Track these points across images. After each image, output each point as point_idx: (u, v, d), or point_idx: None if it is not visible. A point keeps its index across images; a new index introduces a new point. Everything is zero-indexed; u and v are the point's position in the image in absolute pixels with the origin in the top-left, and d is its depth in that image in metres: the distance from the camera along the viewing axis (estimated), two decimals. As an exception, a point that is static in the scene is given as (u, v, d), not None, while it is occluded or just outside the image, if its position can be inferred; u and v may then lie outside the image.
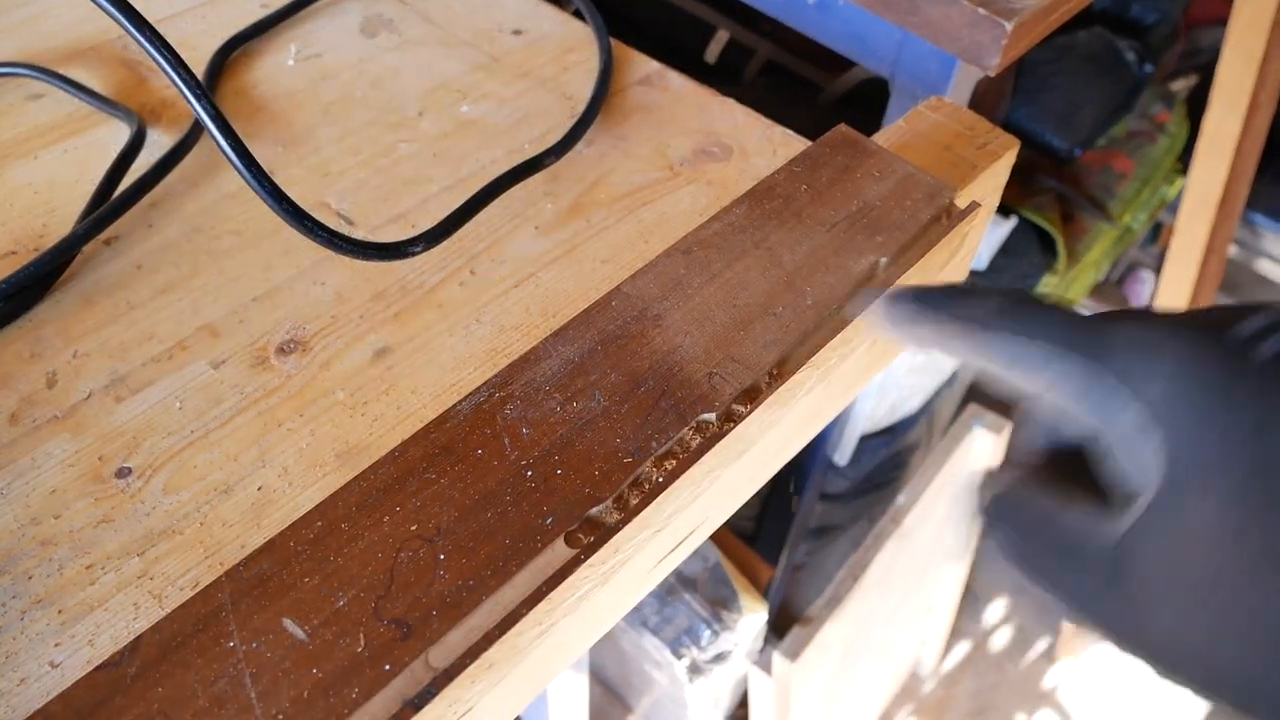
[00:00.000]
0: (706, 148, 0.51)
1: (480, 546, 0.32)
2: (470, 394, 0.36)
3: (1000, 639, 1.89)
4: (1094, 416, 0.27)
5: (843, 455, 1.17)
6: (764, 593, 1.23)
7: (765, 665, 1.24)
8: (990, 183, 0.49)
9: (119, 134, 0.51)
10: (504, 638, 0.30)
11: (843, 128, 0.47)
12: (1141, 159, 1.15)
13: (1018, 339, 0.28)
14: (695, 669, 1.20)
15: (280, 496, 0.37)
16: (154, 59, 0.38)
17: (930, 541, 1.46)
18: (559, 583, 0.32)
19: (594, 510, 0.33)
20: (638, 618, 1.21)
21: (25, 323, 0.42)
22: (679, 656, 1.19)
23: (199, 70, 0.54)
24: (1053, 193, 1.07)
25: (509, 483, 0.34)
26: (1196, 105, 1.16)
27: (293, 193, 0.47)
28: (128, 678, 0.29)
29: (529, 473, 0.34)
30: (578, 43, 0.58)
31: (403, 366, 0.41)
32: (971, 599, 1.90)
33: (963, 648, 1.87)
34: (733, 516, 0.43)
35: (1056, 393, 0.27)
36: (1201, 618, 0.24)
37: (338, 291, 0.44)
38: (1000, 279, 1.05)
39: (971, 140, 0.49)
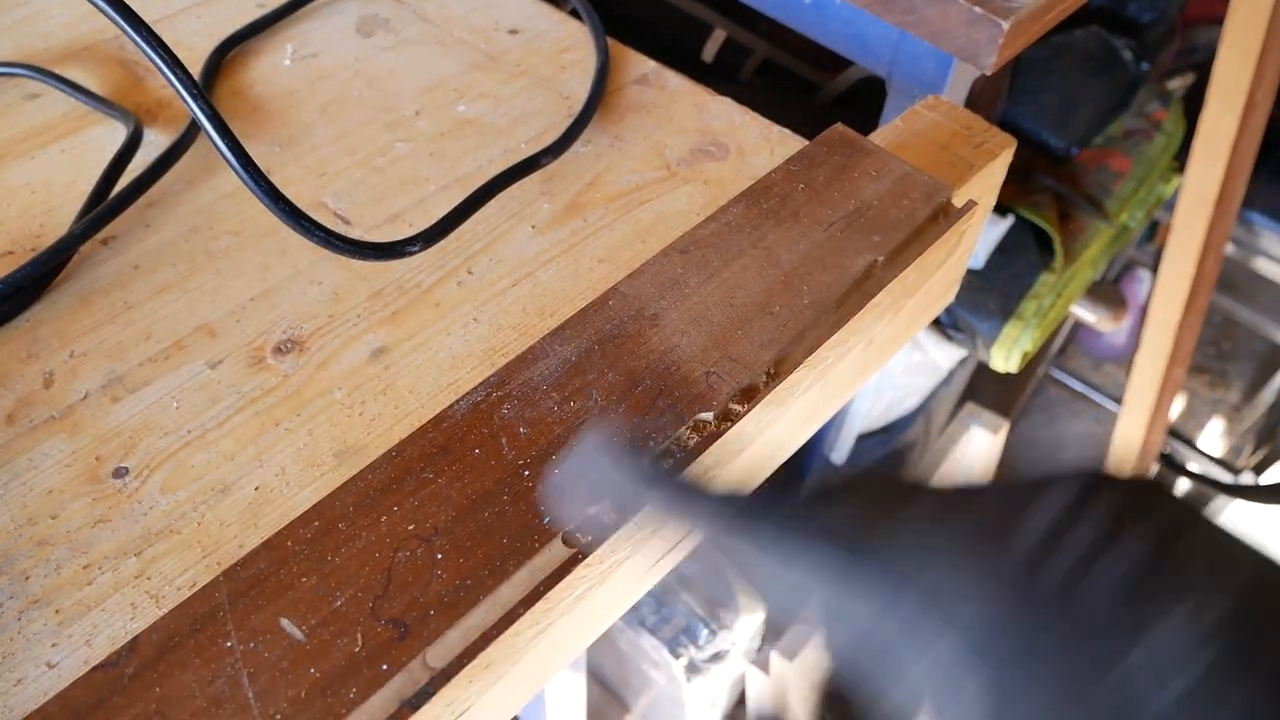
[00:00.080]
0: (703, 147, 0.51)
1: (478, 546, 0.32)
2: (468, 393, 0.36)
3: (998, 637, 1.89)
4: (877, 668, 0.23)
5: (840, 454, 1.17)
6: (762, 592, 1.23)
7: (763, 664, 1.24)
8: (987, 181, 0.49)
9: (116, 134, 0.51)
10: (501, 637, 0.30)
11: (840, 127, 0.47)
12: (1138, 157, 1.15)
13: (786, 536, 0.24)
14: (693, 668, 1.20)
15: (278, 496, 0.37)
16: (150, 59, 0.38)
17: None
18: (557, 582, 0.32)
19: (591, 509, 0.33)
20: (635, 617, 1.21)
21: (22, 323, 0.42)
22: (677, 656, 1.19)
23: (195, 70, 0.54)
24: (1050, 191, 1.07)
25: (506, 482, 0.34)
26: (1193, 104, 1.16)
27: (290, 192, 0.47)
28: (125, 678, 0.29)
29: (526, 472, 0.34)
30: (574, 42, 0.58)
31: (400, 366, 0.41)
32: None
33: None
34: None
35: (838, 625, 0.24)
36: None
37: (335, 291, 0.44)
38: (998, 278, 1.05)
39: (968, 139, 0.49)
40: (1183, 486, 2.00)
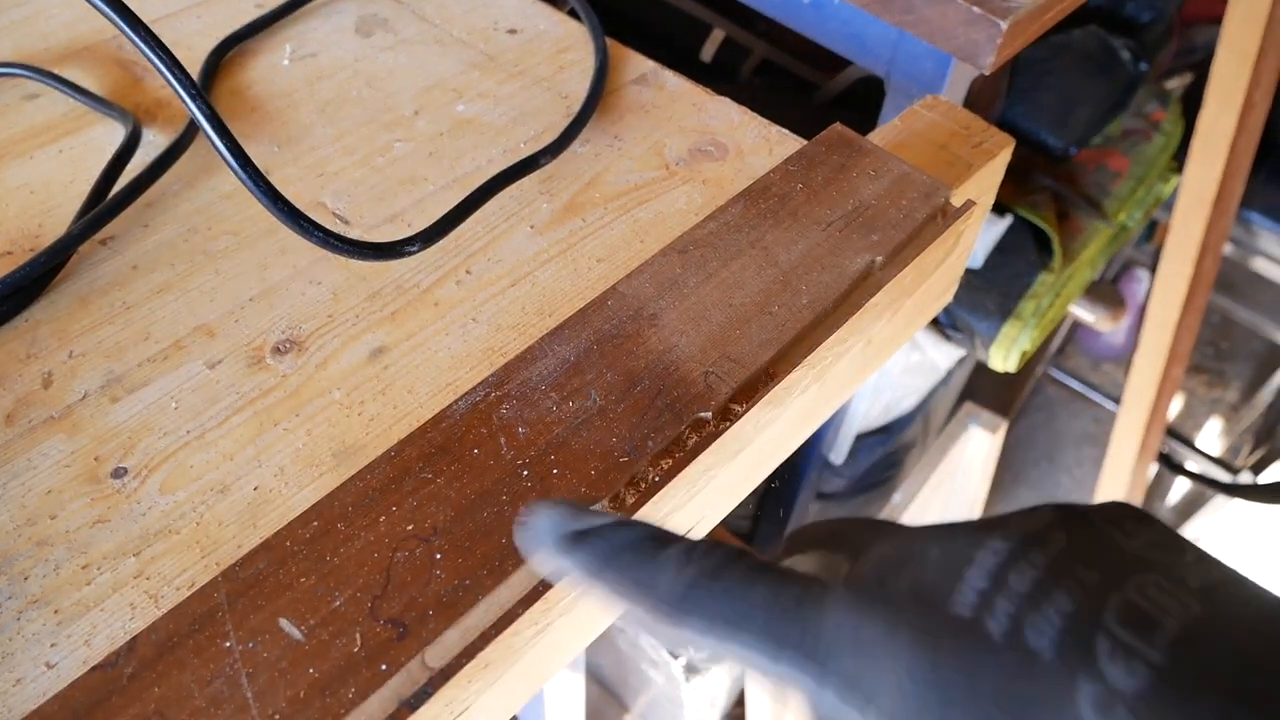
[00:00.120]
0: (702, 147, 0.51)
1: (476, 546, 0.32)
2: (466, 393, 0.36)
3: (996, 637, 1.89)
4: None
5: (838, 454, 1.17)
6: (760, 591, 1.23)
7: (762, 664, 1.24)
8: (985, 181, 0.49)
9: (114, 134, 0.51)
10: (500, 637, 0.31)
11: (838, 127, 0.47)
12: (1137, 157, 1.15)
13: (715, 627, 0.23)
14: (692, 668, 1.20)
15: (276, 496, 0.37)
16: (149, 59, 0.38)
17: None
18: (555, 582, 0.32)
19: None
20: (634, 617, 1.20)
21: (21, 323, 0.42)
22: (675, 656, 1.19)
23: (194, 70, 0.54)
24: (1048, 191, 1.07)
25: (505, 482, 0.34)
26: (1192, 103, 1.16)
27: (288, 193, 0.47)
28: (124, 678, 0.29)
29: (525, 472, 0.34)
30: (573, 42, 0.59)
31: (399, 366, 0.41)
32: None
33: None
34: (729, 515, 0.43)
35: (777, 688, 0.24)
36: None
37: (334, 291, 0.44)
38: (996, 277, 1.05)
39: (967, 139, 0.49)
40: (1181, 486, 2.00)
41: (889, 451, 1.23)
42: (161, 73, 0.38)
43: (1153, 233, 1.74)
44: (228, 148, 0.39)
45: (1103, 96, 1.07)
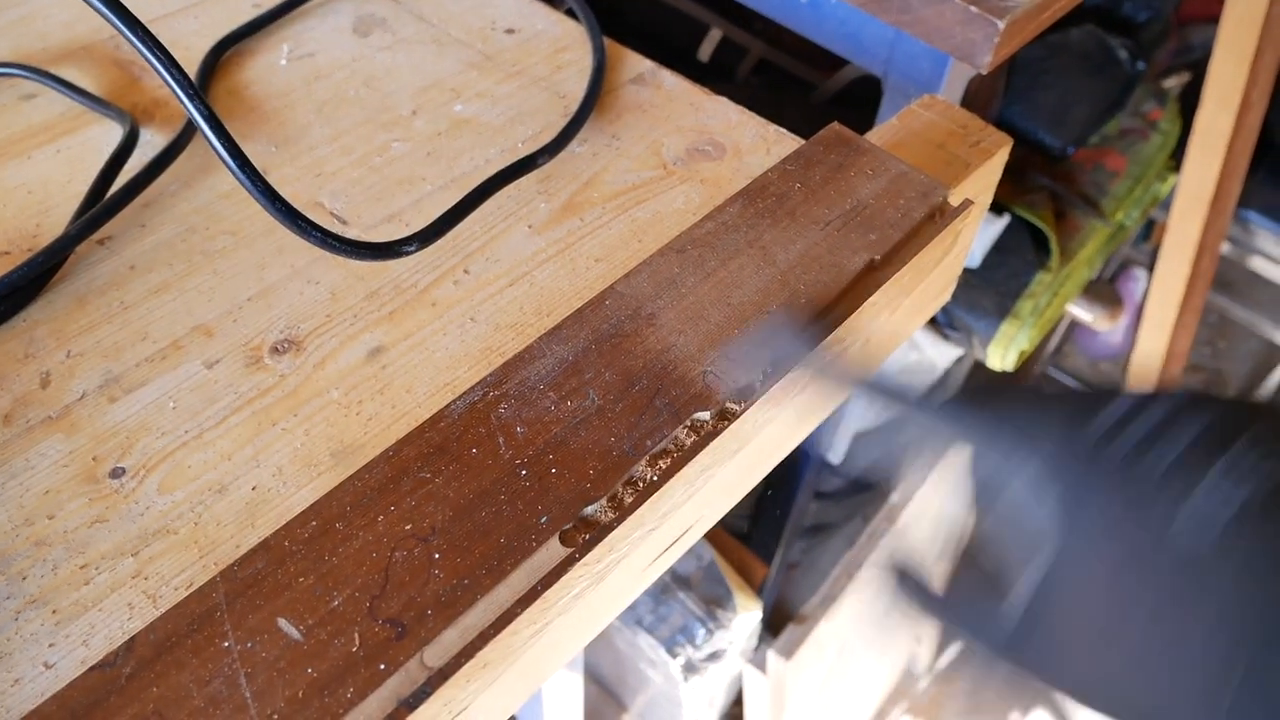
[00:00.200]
0: (700, 146, 0.52)
1: (475, 546, 0.32)
2: (464, 393, 0.36)
3: (995, 636, 1.89)
4: (992, 484, 0.30)
5: (837, 454, 1.18)
6: (758, 591, 1.23)
7: (760, 664, 1.24)
8: (983, 181, 0.49)
9: (112, 134, 0.51)
10: (499, 637, 0.31)
11: (836, 126, 0.47)
12: (1134, 156, 1.15)
13: (932, 424, 0.32)
14: (690, 668, 1.20)
15: (275, 496, 0.37)
16: (146, 59, 0.38)
17: (925, 540, 1.46)
18: (554, 582, 0.32)
19: (588, 509, 0.33)
20: (632, 616, 1.21)
21: (19, 323, 0.42)
22: (674, 655, 1.19)
23: (191, 70, 0.54)
24: (1045, 190, 1.07)
25: (503, 482, 0.34)
26: (1189, 103, 1.17)
27: (286, 192, 0.47)
28: (122, 678, 0.29)
29: (523, 472, 0.34)
30: (571, 41, 0.59)
31: (397, 366, 0.41)
32: (966, 596, 1.90)
33: (957, 645, 1.87)
34: (727, 515, 0.43)
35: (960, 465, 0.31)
36: (1111, 659, 0.27)
37: (332, 291, 0.44)
38: (994, 277, 1.05)
39: (964, 138, 0.49)
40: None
41: (887, 451, 1.23)
42: (159, 73, 0.38)
43: (1150, 232, 1.74)
44: (225, 148, 0.39)
45: (1100, 96, 1.07)
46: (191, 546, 0.35)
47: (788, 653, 1.21)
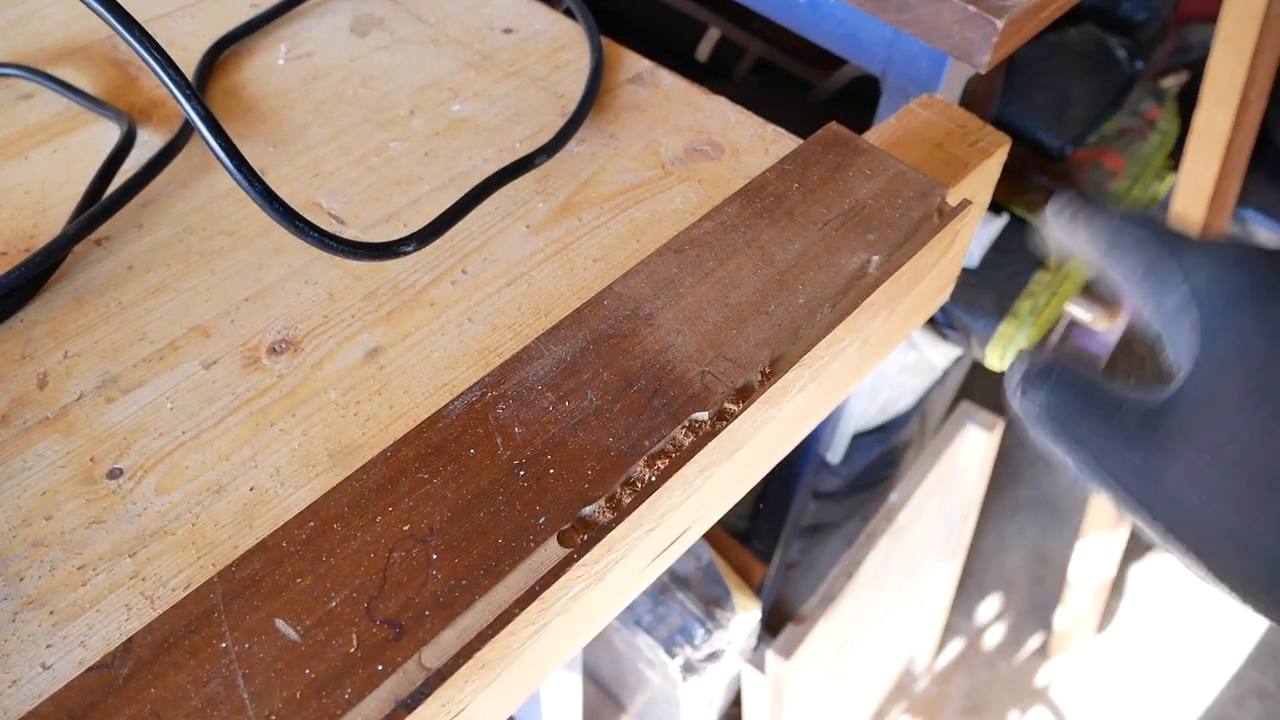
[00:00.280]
0: (698, 146, 0.51)
1: (473, 546, 0.32)
2: (462, 393, 0.36)
3: (993, 636, 1.89)
4: (1147, 297, 0.31)
5: (835, 453, 1.18)
6: (757, 591, 1.23)
7: (759, 664, 1.24)
8: (981, 180, 0.49)
9: (109, 134, 0.51)
10: (497, 637, 0.30)
11: (834, 126, 0.47)
12: (1132, 156, 1.15)
13: (1120, 228, 0.32)
14: (689, 668, 1.20)
15: (272, 497, 0.37)
16: (143, 59, 0.38)
17: (923, 539, 1.47)
18: (552, 582, 0.32)
19: (587, 509, 0.33)
20: (631, 616, 1.21)
21: (16, 323, 0.42)
22: (673, 655, 1.19)
23: (189, 70, 0.54)
24: (1044, 190, 1.07)
25: (501, 482, 0.34)
26: (1187, 102, 1.16)
27: (284, 193, 0.47)
28: (120, 679, 0.29)
29: (521, 472, 0.34)
30: (569, 41, 0.58)
31: (395, 366, 0.41)
32: (964, 596, 1.91)
33: (956, 645, 1.87)
34: (726, 515, 0.43)
35: (1126, 272, 0.32)
36: (1209, 474, 0.27)
37: (329, 291, 0.44)
38: (993, 276, 1.05)
39: (963, 138, 0.49)
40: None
41: (886, 450, 1.23)
42: (156, 73, 0.38)
43: (1149, 231, 1.74)
44: (222, 148, 0.39)
45: (1098, 95, 1.07)
46: (189, 547, 0.35)
47: (786, 653, 1.21)
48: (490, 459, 0.34)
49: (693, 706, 1.25)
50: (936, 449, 1.35)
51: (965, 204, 0.44)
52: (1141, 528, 0.29)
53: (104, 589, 0.34)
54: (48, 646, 0.32)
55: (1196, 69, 1.26)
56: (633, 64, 0.57)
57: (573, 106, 0.53)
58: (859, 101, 1.08)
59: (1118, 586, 1.95)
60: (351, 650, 0.29)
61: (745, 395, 0.37)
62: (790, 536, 1.19)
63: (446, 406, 0.36)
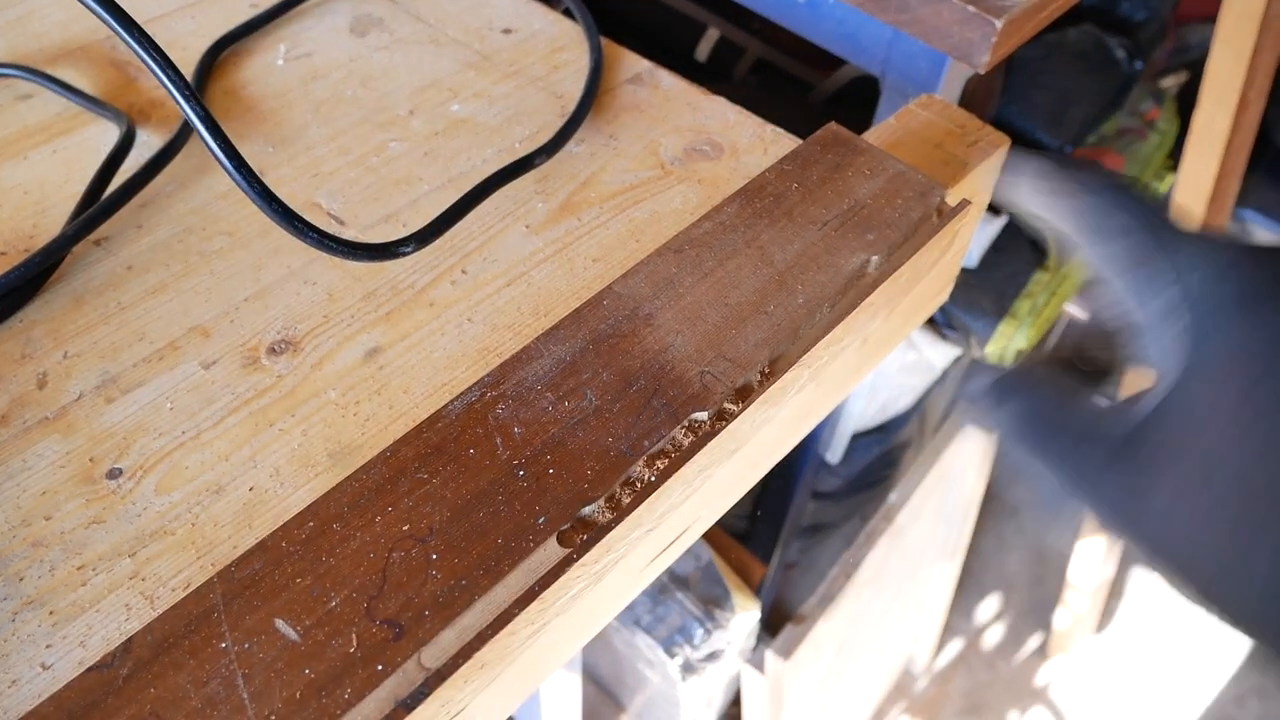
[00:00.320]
0: (697, 146, 0.51)
1: (472, 546, 0.32)
2: (462, 393, 0.36)
3: (993, 636, 1.89)
4: (1131, 292, 0.29)
5: (835, 453, 1.18)
6: (757, 591, 1.23)
7: (758, 664, 1.24)
8: (981, 180, 0.49)
9: (108, 134, 0.51)
10: (496, 637, 0.30)
11: (833, 126, 0.47)
12: (1132, 156, 1.15)
13: (1108, 209, 0.30)
14: (688, 668, 1.20)
15: (272, 497, 0.37)
16: (142, 60, 0.38)
17: (922, 539, 1.47)
18: (551, 582, 0.32)
19: (586, 509, 0.33)
20: (630, 616, 1.21)
21: (15, 323, 0.42)
22: (672, 655, 1.19)
23: (188, 70, 0.54)
24: (1043, 190, 1.07)
25: (501, 482, 0.34)
26: (1187, 102, 1.17)
27: (283, 193, 0.47)
28: (120, 679, 0.29)
29: (521, 472, 0.34)
30: (568, 41, 0.58)
31: (394, 366, 0.41)
32: (964, 596, 1.91)
33: (955, 645, 1.87)
34: (725, 514, 0.43)
35: (1110, 261, 0.30)
36: (1200, 493, 0.25)
37: (329, 291, 0.44)
38: (992, 276, 1.05)
39: (962, 138, 0.49)
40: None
41: (885, 450, 1.23)
42: (155, 73, 0.38)
43: (1148, 231, 1.74)
44: (221, 148, 0.39)
45: (1097, 95, 1.07)
46: (189, 547, 0.35)
47: (786, 653, 1.21)
48: (490, 459, 0.34)
49: (692, 706, 1.25)
50: (936, 449, 1.35)
51: (964, 204, 0.44)
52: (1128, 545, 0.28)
53: (104, 589, 0.34)
54: (47, 646, 0.32)
55: (1196, 69, 1.26)
56: (632, 64, 0.57)
57: (572, 107, 0.53)
58: (858, 102, 1.08)
59: (1117, 586, 1.95)
60: (351, 650, 0.29)
61: (745, 395, 0.37)
62: (789, 536, 1.19)
63: (446, 406, 0.36)
